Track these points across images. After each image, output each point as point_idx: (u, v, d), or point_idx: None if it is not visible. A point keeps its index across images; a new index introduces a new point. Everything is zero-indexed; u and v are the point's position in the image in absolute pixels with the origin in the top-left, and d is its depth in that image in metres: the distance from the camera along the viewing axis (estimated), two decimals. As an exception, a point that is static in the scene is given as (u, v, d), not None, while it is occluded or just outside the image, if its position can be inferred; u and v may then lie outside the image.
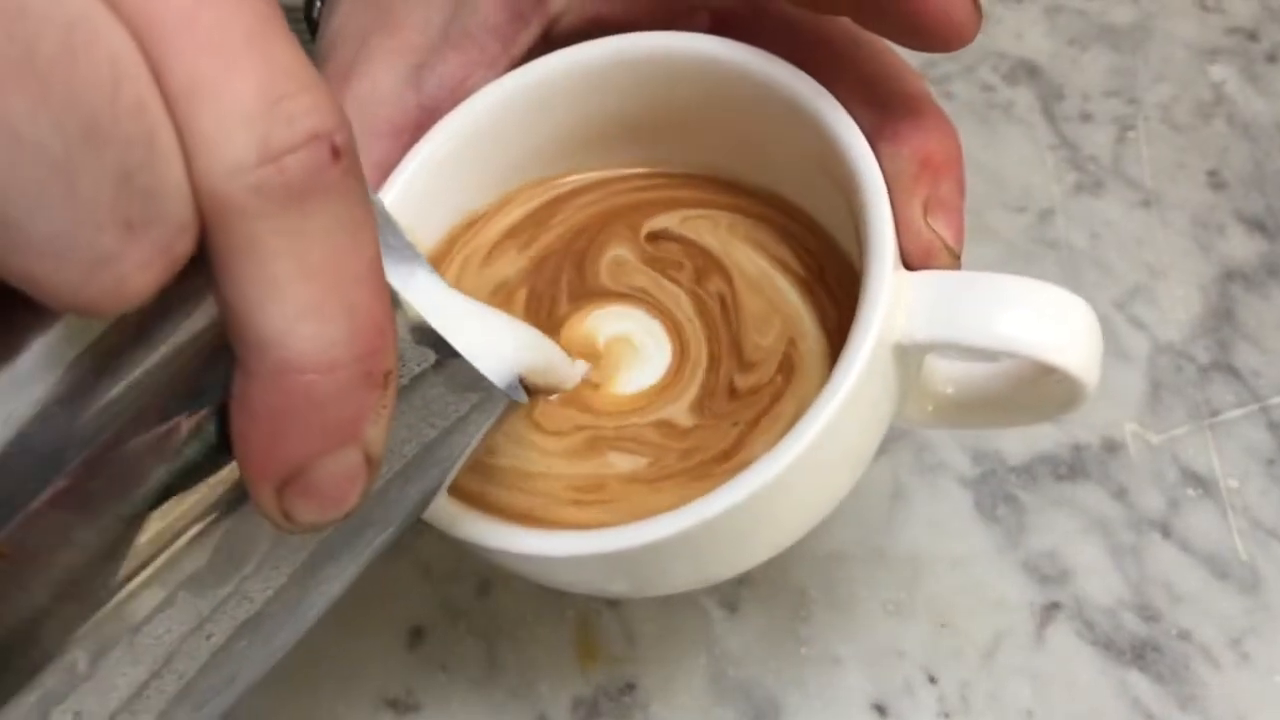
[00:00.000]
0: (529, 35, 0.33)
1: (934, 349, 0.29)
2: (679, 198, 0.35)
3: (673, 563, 0.30)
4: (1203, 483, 0.42)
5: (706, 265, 0.34)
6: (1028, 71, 0.53)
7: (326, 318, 0.20)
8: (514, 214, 0.35)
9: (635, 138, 0.35)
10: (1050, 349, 0.27)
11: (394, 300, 0.21)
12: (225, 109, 0.18)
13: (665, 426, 0.32)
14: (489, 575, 0.42)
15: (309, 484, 0.21)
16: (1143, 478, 0.43)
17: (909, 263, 0.29)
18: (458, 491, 0.31)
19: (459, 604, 0.42)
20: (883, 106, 0.31)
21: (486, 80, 0.33)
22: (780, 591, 0.41)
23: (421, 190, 0.33)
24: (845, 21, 0.31)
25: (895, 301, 0.28)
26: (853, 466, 0.31)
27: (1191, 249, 0.48)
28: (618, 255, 0.35)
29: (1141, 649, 0.39)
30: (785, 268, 0.33)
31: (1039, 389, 0.30)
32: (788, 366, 0.31)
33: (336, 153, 0.19)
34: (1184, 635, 0.40)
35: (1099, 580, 0.41)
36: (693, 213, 0.35)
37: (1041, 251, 0.48)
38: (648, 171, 0.36)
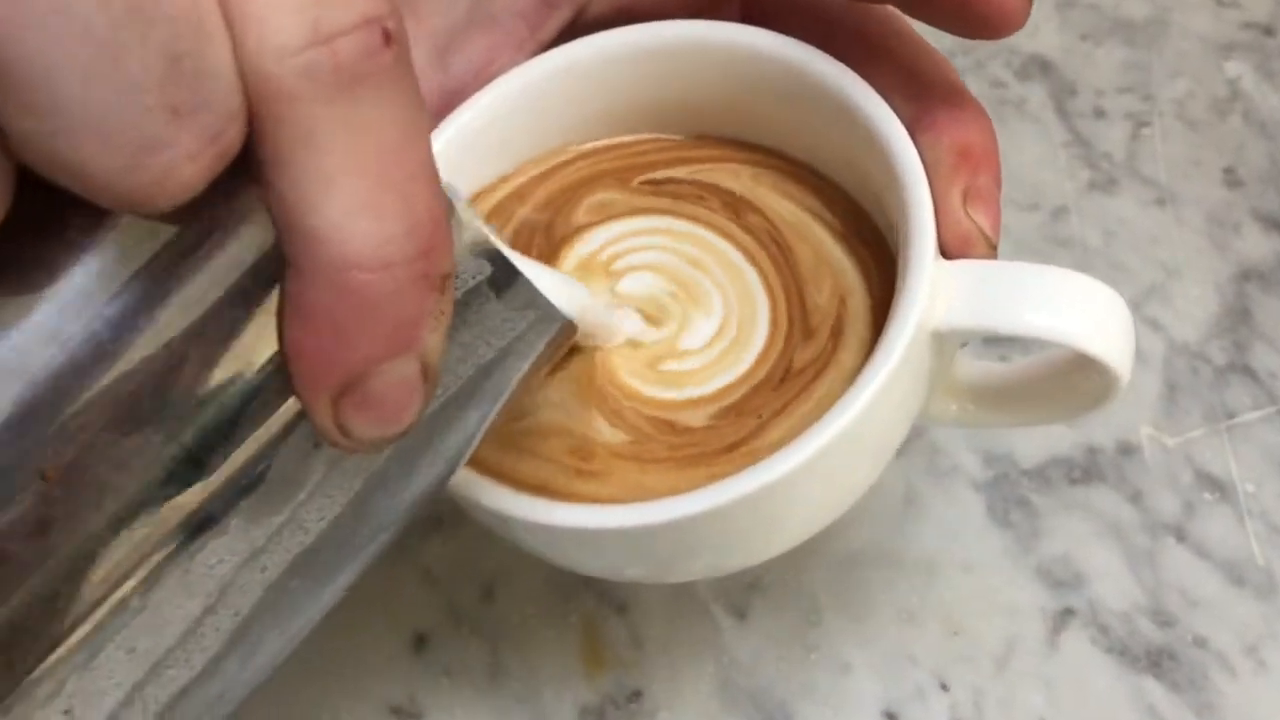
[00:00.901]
0: (557, 20, 0.33)
1: (972, 337, 0.29)
2: (688, 156, 0.35)
3: (697, 543, 0.29)
4: (1219, 486, 0.42)
5: (735, 203, 0.33)
6: (1040, 67, 0.52)
7: (382, 213, 0.19)
8: (501, 191, 0.35)
9: (662, 127, 0.35)
10: (1089, 338, 0.28)
11: (450, 204, 0.21)
12: None
13: (664, 425, 0.31)
14: (493, 579, 0.41)
15: (367, 394, 0.20)
16: (1158, 481, 0.42)
17: (946, 251, 0.30)
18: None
19: (463, 609, 0.41)
20: (921, 97, 0.31)
21: (513, 63, 0.33)
22: (790, 597, 0.40)
23: (444, 172, 0.32)
24: (881, 11, 0.31)
25: (934, 289, 0.28)
26: (881, 456, 0.31)
27: (1207, 248, 0.47)
28: (601, 199, 0.34)
29: (1157, 656, 0.39)
30: (820, 218, 0.33)
31: (1071, 383, 0.30)
32: (838, 331, 0.31)
33: (389, 37, 0.19)
34: (1200, 642, 0.39)
35: (1113, 585, 0.40)
36: (704, 166, 0.34)
37: (1054, 250, 0.47)
38: (652, 137, 0.35)
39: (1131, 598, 0.40)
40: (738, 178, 0.34)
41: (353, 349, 0.20)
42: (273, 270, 0.20)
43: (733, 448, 0.29)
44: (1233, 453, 0.43)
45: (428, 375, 0.21)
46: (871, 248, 0.32)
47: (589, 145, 0.35)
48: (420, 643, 0.41)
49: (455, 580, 0.42)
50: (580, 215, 0.34)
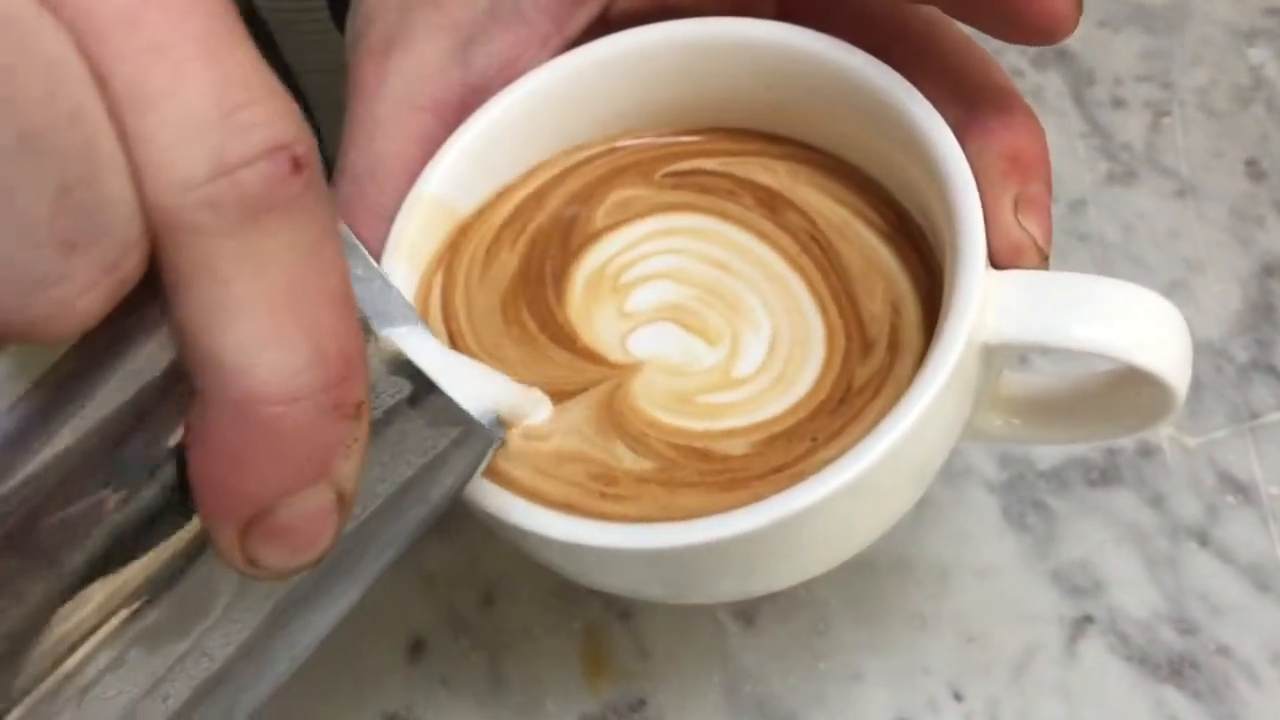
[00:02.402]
0: (584, 15, 0.33)
1: (1024, 350, 0.29)
2: (716, 148, 0.34)
3: (730, 565, 0.29)
4: (1242, 489, 0.41)
5: (771, 200, 0.32)
6: (1057, 55, 0.52)
7: (291, 344, 0.19)
8: (521, 193, 0.34)
9: (694, 127, 0.34)
10: (1147, 353, 0.27)
11: (365, 328, 0.20)
12: (174, 118, 0.17)
13: (696, 454, 0.29)
14: (493, 585, 0.41)
15: (276, 525, 0.20)
16: (1179, 484, 0.42)
17: (996, 261, 0.29)
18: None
19: (462, 615, 0.41)
20: (969, 100, 0.30)
21: (537, 60, 0.33)
22: (799, 603, 0.40)
23: (468, 170, 0.32)
24: (925, 10, 0.31)
25: (985, 300, 0.27)
26: (925, 476, 0.30)
27: (1229, 242, 0.46)
28: (623, 197, 0.33)
29: (1178, 664, 0.39)
30: (863, 216, 0.32)
31: (1123, 399, 0.30)
32: (895, 343, 0.30)
33: (297, 165, 0.18)
34: (1223, 650, 0.39)
35: (1133, 592, 0.40)
36: (735, 159, 0.33)
37: (1072, 245, 0.47)
38: (680, 130, 0.34)
39: (1152, 604, 0.40)
40: (773, 173, 0.33)
41: (260, 481, 0.20)
42: (179, 392, 0.19)
43: (778, 470, 0.29)
44: (1257, 454, 0.42)
45: (343, 502, 0.21)
46: (919, 249, 0.31)
47: (603, 143, 0.34)
48: (417, 650, 0.41)
49: (454, 585, 0.41)
50: (599, 218, 0.33)
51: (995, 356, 0.28)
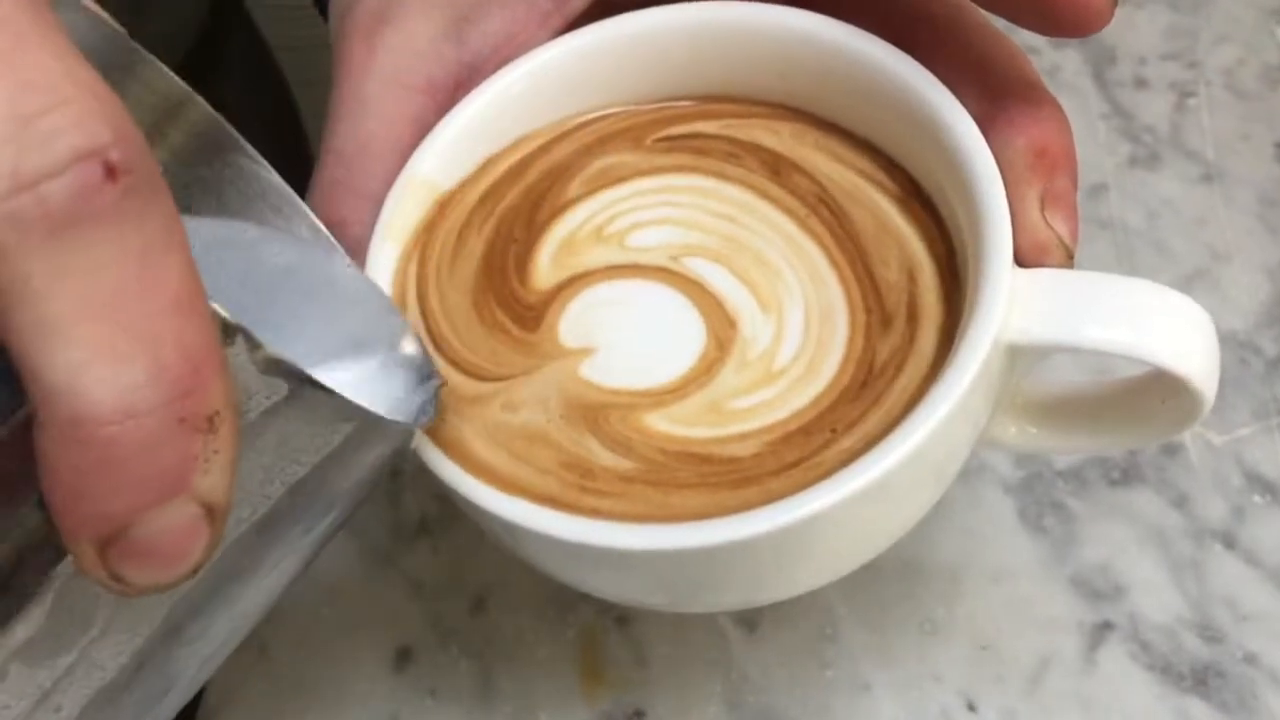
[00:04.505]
0: None
1: (1049, 351, 0.28)
2: (715, 110, 0.33)
3: (736, 572, 0.28)
4: (1270, 488, 0.41)
5: (775, 162, 0.32)
6: (1077, 32, 0.51)
7: (121, 358, 0.18)
8: (495, 171, 0.33)
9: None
10: (1176, 356, 0.27)
11: (229, 330, 0.20)
12: None
13: (691, 459, 0.28)
14: (484, 590, 0.41)
15: (134, 543, 0.20)
16: (1204, 483, 0.41)
17: (1020, 259, 0.29)
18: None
19: (450, 622, 0.40)
20: (994, 92, 0.30)
21: (536, 40, 0.32)
22: (804, 609, 0.39)
23: (462, 153, 0.32)
24: None
25: (1011, 300, 0.27)
26: (942, 481, 0.30)
27: (1257, 229, 0.46)
28: (603, 165, 0.32)
29: (1203, 673, 0.38)
30: (874, 180, 0.31)
31: (1147, 404, 0.30)
32: (914, 314, 0.29)
33: (112, 171, 0.18)
34: (1250, 659, 0.38)
35: (1155, 597, 0.39)
36: (736, 121, 0.33)
37: (1093, 232, 0.46)
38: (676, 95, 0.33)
39: (1175, 610, 0.39)
40: (777, 135, 0.32)
41: (104, 503, 0.19)
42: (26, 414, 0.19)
43: (794, 465, 0.28)
44: (1286, 452, 0.42)
45: (213, 514, 0.20)
46: (932, 214, 0.31)
47: (598, 112, 0.33)
48: (404, 659, 0.40)
49: (443, 590, 0.41)
50: (573, 189, 0.32)
51: (1019, 357, 0.28)
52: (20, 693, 0.21)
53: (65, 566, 0.21)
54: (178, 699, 0.24)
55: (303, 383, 0.22)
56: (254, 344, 0.21)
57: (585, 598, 0.40)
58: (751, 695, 0.38)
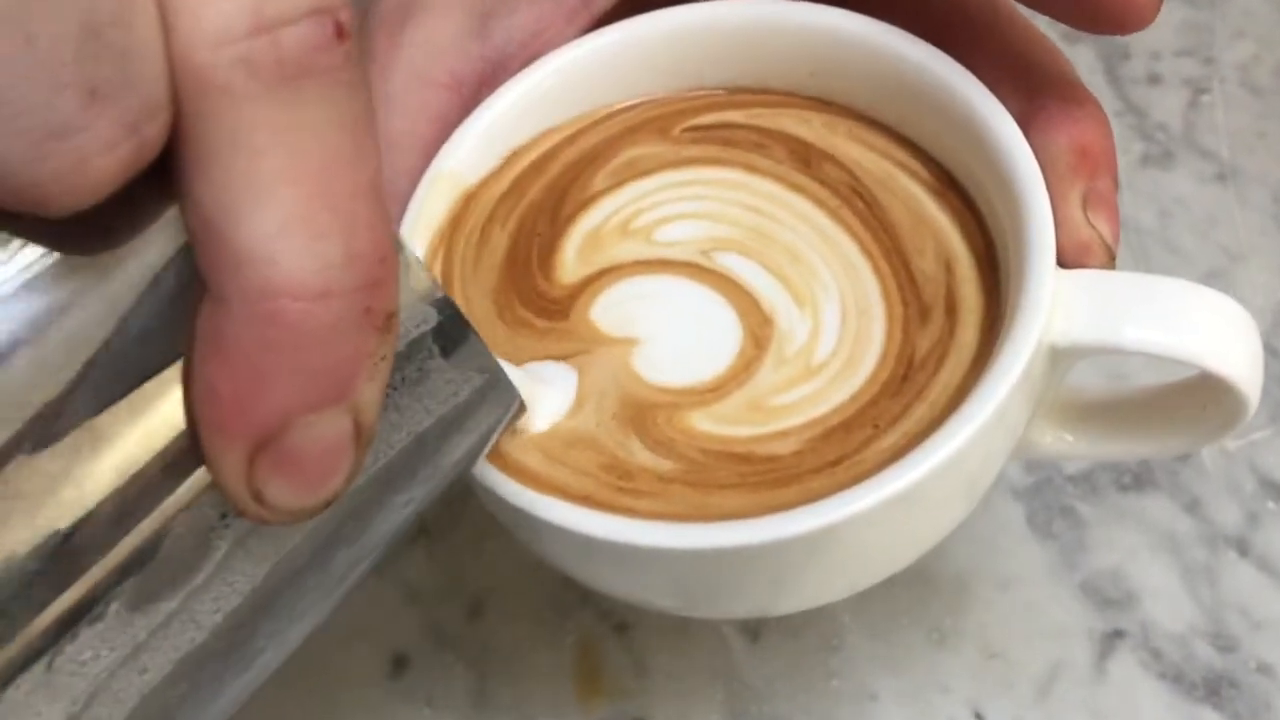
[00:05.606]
0: None
1: (1092, 353, 0.28)
2: (744, 99, 0.33)
3: (767, 573, 0.28)
4: None
5: (805, 152, 0.32)
6: (1089, 27, 0.51)
7: (322, 231, 0.18)
8: (519, 165, 0.33)
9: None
10: (1220, 358, 0.27)
11: (396, 242, 0.19)
12: None
13: (734, 459, 0.28)
14: (481, 596, 0.40)
15: (288, 450, 0.19)
16: (1217, 488, 0.41)
17: (1062, 259, 0.29)
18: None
19: (447, 629, 0.40)
20: (1033, 90, 0.30)
21: (563, 37, 0.32)
22: (808, 617, 0.39)
23: (490, 150, 0.32)
24: None
25: (1054, 302, 0.27)
26: (978, 488, 0.30)
27: (1272, 229, 0.46)
28: (629, 157, 0.32)
29: (1216, 683, 0.38)
30: (908, 170, 0.31)
31: (1188, 408, 0.30)
32: (953, 306, 0.29)
33: (341, 32, 0.18)
34: (1264, 668, 0.38)
35: (1167, 605, 0.39)
36: (764, 111, 0.32)
37: None
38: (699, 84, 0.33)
39: (1188, 618, 0.39)
40: (808, 124, 0.32)
41: (276, 393, 0.18)
42: (185, 301, 0.18)
43: (835, 463, 0.28)
44: (1301, 457, 0.42)
45: (361, 435, 0.20)
46: (968, 205, 0.31)
47: (625, 103, 0.33)
48: (399, 667, 0.40)
49: (439, 596, 0.41)
50: (598, 181, 0.32)
51: (1062, 359, 0.28)
52: (114, 642, 0.19)
53: (185, 493, 0.19)
54: (243, 690, 0.23)
55: (452, 316, 0.22)
56: (410, 261, 0.20)
57: (584, 604, 0.40)
58: (755, 705, 0.38)
